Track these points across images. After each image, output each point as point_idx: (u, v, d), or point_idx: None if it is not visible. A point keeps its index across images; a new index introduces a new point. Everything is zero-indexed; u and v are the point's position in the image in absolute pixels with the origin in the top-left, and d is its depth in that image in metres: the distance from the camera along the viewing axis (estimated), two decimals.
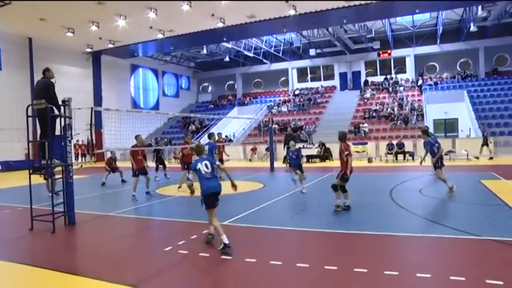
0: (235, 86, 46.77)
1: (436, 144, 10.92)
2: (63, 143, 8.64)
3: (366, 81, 39.32)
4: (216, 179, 6.70)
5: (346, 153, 8.79)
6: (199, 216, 8.90)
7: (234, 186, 6.84)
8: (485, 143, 22.67)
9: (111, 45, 30.34)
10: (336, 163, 23.81)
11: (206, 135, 16.14)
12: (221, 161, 16.32)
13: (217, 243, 6.38)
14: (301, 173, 11.83)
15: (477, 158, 22.50)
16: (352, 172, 9.02)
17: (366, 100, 35.60)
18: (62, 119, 8.58)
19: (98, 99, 33.53)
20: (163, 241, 7.04)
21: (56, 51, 30.27)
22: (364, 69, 40.65)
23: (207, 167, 6.65)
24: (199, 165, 6.63)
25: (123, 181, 16.52)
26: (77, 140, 27.28)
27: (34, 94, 8.71)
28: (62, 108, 8.56)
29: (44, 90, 8.44)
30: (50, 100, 8.30)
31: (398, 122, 29.94)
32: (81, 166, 23.25)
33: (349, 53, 38.98)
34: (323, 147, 25.07)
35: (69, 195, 8.60)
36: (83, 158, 30.47)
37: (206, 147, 12.31)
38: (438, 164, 10.75)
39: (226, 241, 6.21)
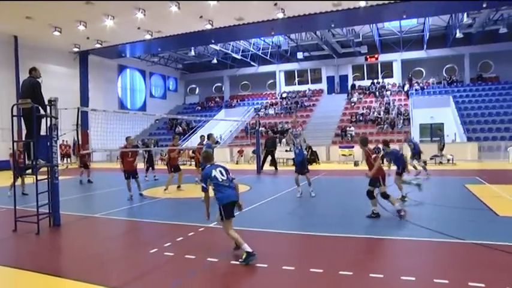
0: (223, 88, 46.74)
1: (399, 154, 11.11)
2: (48, 143, 8.57)
3: (353, 85, 39.63)
4: (233, 187, 6.21)
5: (374, 156, 8.52)
6: (185, 218, 8.98)
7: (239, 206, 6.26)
8: (441, 148, 22.94)
9: (98, 45, 30.12)
10: (322, 166, 24.07)
11: (199, 136, 15.93)
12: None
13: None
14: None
15: (441, 162, 23.12)
16: (384, 174, 8.75)
17: (353, 104, 35.86)
18: (48, 119, 8.50)
19: (84, 99, 33.21)
20: (148, 243, 7.01)
21: (43, 50, 29.99)
22: (352, 73, 40.97)
23: (223, 174, 6.17)
24: (214, 173, 6.12)
25: (89, 181, 16.87)
26: (63, 141, 27.03)
27: (20, 93, 8.62)
28: (48, 108, 8.48)
29: (30, 90, 8.34)
30: (35, 100, 8.21)
31: (385, 126, 30.23)
32: (67, 167, 23.00)
33: (336, 56, 39.27)
34: (310, 150, 25.12)
35: (54, 196, 8.52)
36: (68, 158, 30.16)
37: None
38: (399, 171, 10.82)
39: (249, 249, 5.75)
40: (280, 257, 6.18)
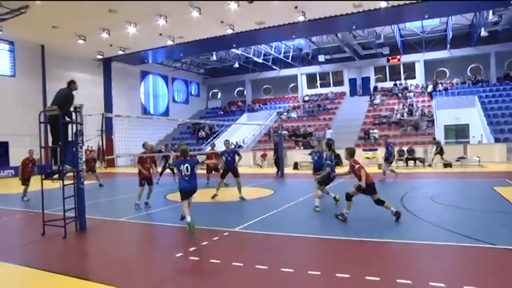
0: (245, 92, 46.86)
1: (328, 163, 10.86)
2: (74, 149, 8.70)
3: (376, 87, 39.19)
4: (191, 181, 8.18)
5: (357, 166, 8.62)
6: (210, 222, 8.93)
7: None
8: (438, 152, 22.31)
9: (121, 52, 30.70)
10: (346, 169, 23.61)
11: (223, 142, 16.05)
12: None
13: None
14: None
15: (430, 165, 22.82)
16: (372, 182, 8.74)
17: (375, 106, 35.43)
18: (74, 125, 8.65)
19: (108, 105, 33.85)
20: (173, 247, 7.03)
21: (68, 58, 30.78)
22: (374, 74, 40.52)
23: (187, 170, 8.09)
24: (181, 167, 8.12)
25: (100, 185, 17.26)
26: (88, 146, 27.39)
27: (53, 101, 8.80)
28: (74, 114, 8.63)
29: (61, 99, 8.61)
30: (62, 109, 8.39)
31: (409, 128, 29.73)
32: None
33: (358, 58, 38.90)
34: (333, 153, 24.86)
35: (80, 200, 8.64)
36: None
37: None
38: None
39: (188, 220, 7.81)
40: (305, 261, 6.11)
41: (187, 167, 8.08)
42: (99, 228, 9.04)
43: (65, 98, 8.67)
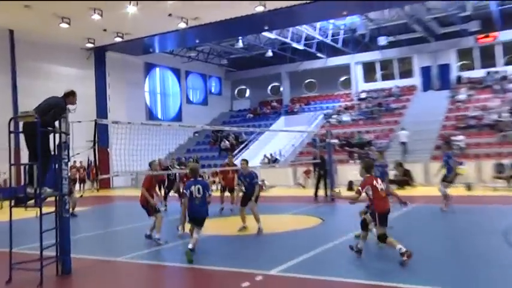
0: (281, 89, 46.93)
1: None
2: (57, 166, 8.71)
3: (459, 78, 38.41)
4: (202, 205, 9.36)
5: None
6: (237, 262, 8.82)
7: None
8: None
9: (118, 39, 30.94)
10: (419, 190, 23.26)
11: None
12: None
13: None
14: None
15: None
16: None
17: (459, 103, 34.68)
18: (57, 136, 8.64)
19: (102, 108, 34.21)
20: None
21: (46, 47, 31.07)
22: (457, 60, 39.74)
23: (199, 191, 9.28)
24: (192, 188, 9.30)
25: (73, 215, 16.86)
26: (74, 162, 27.67)
27: (37, 106, 8.77)
28: (57, 121, 8.64)
29: (48, 106, 8.58)
30: (46, 117, 8.36)
31: (510, 133, 28.82)
32: (81, 195, 23.60)
33: (434, 39, 38.20)
34: (401, 168, 24.43)
35: (63, 234, 8.57)
36: (82, 184, 30.68)
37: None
38: None
39: (190, 247, 8.89)
40: None
41: (198, 189, 9.17)
42: (89, 271, 8.99)
43: (54, 107, 8.58)
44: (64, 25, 27.01)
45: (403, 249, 8.10)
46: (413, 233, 10.82)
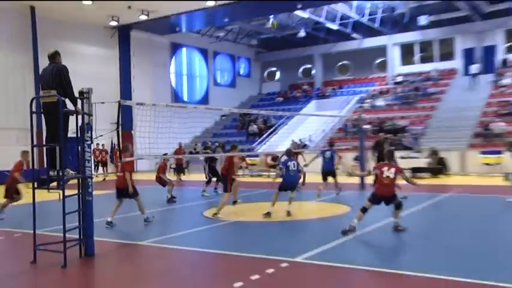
0: (313, 72, 46.75)
1: None
2: (79, 148, 8.98)
3: (505, 61, 37.74)
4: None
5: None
6: (261, 248, 9.03)
7: None
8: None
9: (144, 17, 31.00)
10: (455, 179, 23.09)
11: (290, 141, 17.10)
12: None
13: None
14: None
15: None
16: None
17: (503, 89, 34.17)
18: (79, 117, 8.85)
19: (126, 90, 34.56)
20: (212, 282, 7.18)
21: (69, 25, 31.16)
22: (504, 42, 38.94)
23: (294, 165, 13.00)
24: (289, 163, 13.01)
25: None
26: (97, 144, 27.91)
27: (41, 83, 8.96)
28: (79, 102, 8.82)
29: (55, 78, 8.57)
30: (63, 90, 8.47)
31: None
32: (104, 179, 23.96)
33: (480, 19, 37.45)
34: (436, 156, 24.33)
35: (87, 217, 8.82)
36: (104, 167, 30.26)
37: None
38: None
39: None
40: None
41: (293, 164, 12.95)
42: (112, 254, 9.32)
43: (59, 74, 8.62)
44: (87, 2, 27.04)
45: (353, 225, 9.98)
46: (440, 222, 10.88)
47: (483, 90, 34.79)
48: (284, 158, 14.06)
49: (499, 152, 25.12)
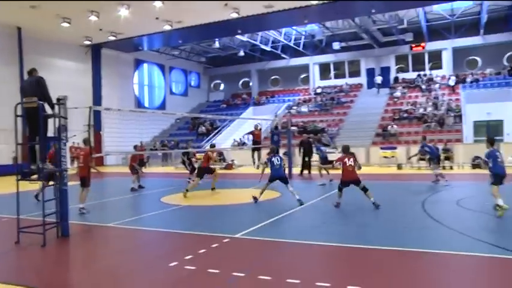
0: (251, 84, 46.86)
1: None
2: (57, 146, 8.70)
3: (397, 78, 39.00)
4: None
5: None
6: (209, 227, 8.97)
7: None
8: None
9: (112, 38, 30.51)
10: (361, 170, 23.58)
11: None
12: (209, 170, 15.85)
13: None
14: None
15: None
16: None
17: (396, 99, 35.24)
18: (56, 120, 8.59)
19: (97, 97, 33.74)
20: (168, 255, 7.02)
21: (50, 43, 30.42)
22: (395, 64, 40.31)
23: (278, 161, 12.05)
24: (273, 159, 12.08)
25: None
26: (73, 143, 27.27)
27: (23, 92, 8.74)
28: (57, 107, 8.58)
29: (35, 87, 8.47)
30: (42, 96, 8.34)
31: (433, 124, 29.52)
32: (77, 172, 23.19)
33: (377, 46, 38.64)
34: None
35: (63, 204, 8.60)
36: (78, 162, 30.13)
37: None
38: None
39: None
40: (314, 271, 6.09)
41: (277, 159, 12.07)
42: (84, 234, 9.05)
43: (37, 83, 8.53)
44: (65, 24, 26.34)
45: (338, 201, 10.81)
46: (351, 202, 11.09)
47: (382, 100, 35.87)
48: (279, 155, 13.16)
49: (394, 148, 26.04)
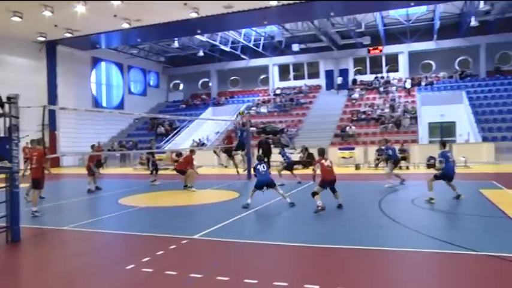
0: (210, 84, 46.68)
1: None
2: (7, 147, 8.40)
3: (355, 80, 39.74)
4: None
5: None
6: (167, 229, 8.91)
7: None
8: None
9: (68, 35, 29.61)
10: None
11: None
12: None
13: None
14: None
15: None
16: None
17: (354, 101, 35.92)
18: (8, 119, 8.31)
19: (52, 96, 32.55)
20: (124, 258, 6.91)
21: (1, 38, 29.27)
22: (353, 66, 41.09)
23: (264, 168, 11.53)
24: (258, 166, 11.53)
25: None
26: (26, 143, 26.43)
27: None
28: (7, 106, 8.29)
29: None
30: None
31: (390, 125, 30.27)
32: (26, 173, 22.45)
33: (336, 49, 39.30)
34: (306, 152, 25.04)
35: (14, 206, 8.28)
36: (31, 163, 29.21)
37: None
38: None
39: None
40: (271, 271, 6.12)
41: (263, 166, 11.57)
42: (37, 239, 8.78)
43: None
44: (16, 19, 25.19)
45: (320, 204, 10.16)
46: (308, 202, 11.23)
47: (340, 101, 36.48)
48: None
49: (352, 149, 26.52)
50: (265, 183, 11.55)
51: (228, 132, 22.13)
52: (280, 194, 11.53)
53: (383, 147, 16.97)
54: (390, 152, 15.97)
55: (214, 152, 26.02)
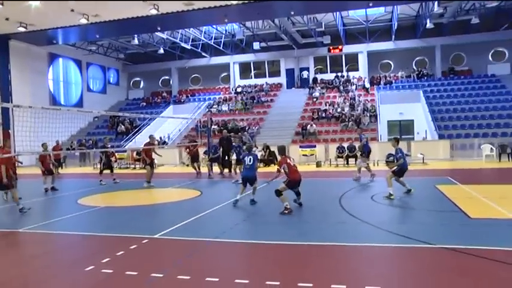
0: (171, 82, 46.28)
1: None
2: None
3: (315, 79, 40.22)
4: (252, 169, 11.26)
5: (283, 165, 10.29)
6: (127, 229, 8.80)
7: None
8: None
9: (22, 29, 28.41)
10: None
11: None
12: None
13: None
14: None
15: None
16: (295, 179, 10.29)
17: (314, 99, 36.35)
18: None
19: (5, 93, 31.31)
20: (84, 259, 6.79)
21: None
22: (314, 65, 41.60)
23: (250, 160, 11.18)
24: (246, 159, 11.26)
25: None
26: None
27: None
28: None
29: None
30: None
31: (350, 123, 30.82)
32: None
33: (297, 47, 39.70)
34: (267, 150, 25.22)
35: None
36: None
37: None
38: None
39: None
40: (232, 269, 6.19)
41: (250, 159, 11.15)
42: None
43: None
44: None
45: (288, 206, 9.79)
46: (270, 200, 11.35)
47: (301, 100, 36.86)
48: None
49: (313, 146, 26.89)
50: (247, 178, 11.27)
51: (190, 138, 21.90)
52: (253, 189, 11.33)
53: (360, 135, 17.39)
54: (365, 141, 16.45)
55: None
